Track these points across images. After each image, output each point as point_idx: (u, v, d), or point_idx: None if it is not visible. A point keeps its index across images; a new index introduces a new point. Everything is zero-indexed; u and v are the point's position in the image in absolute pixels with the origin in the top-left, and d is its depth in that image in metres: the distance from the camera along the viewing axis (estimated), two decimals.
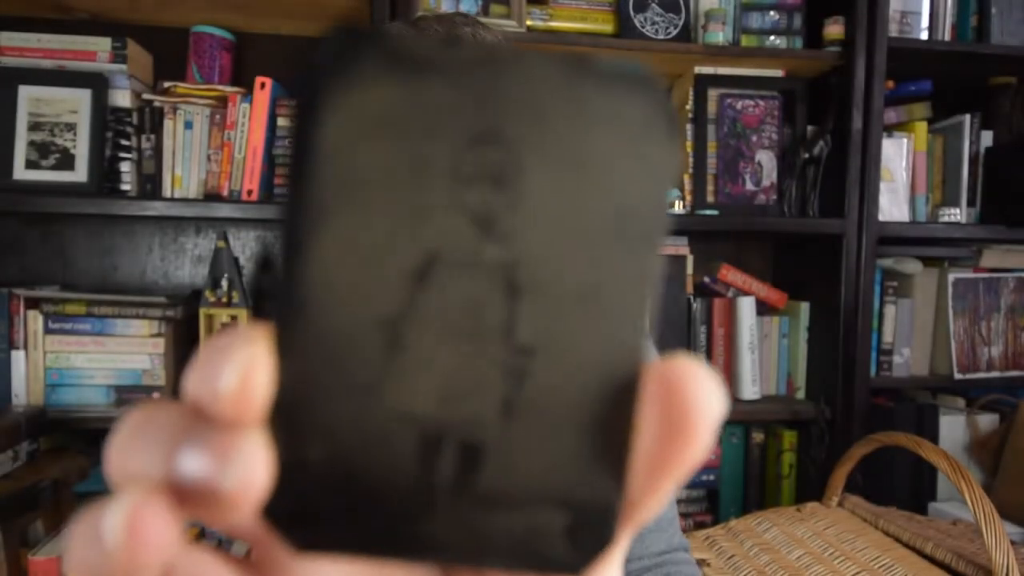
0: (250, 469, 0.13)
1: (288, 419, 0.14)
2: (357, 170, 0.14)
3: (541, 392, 0.15)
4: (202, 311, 1.26)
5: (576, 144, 0.15)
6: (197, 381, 0.14)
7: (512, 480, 0.15)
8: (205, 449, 0.14)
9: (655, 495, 0.16)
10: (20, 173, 1.18)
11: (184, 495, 0.14)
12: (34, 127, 1.19)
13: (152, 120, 1.23)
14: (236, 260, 1.29)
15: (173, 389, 1.24)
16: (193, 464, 0.14)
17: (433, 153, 0.14)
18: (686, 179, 1.41)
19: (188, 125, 1.23)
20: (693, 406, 0.15)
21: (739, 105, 1.40)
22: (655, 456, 0.15)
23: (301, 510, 0.15)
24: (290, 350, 0.14)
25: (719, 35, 1.34)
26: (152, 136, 1.23)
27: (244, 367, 0.14)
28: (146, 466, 0.14)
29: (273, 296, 0.15)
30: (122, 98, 1.20)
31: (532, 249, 0.15)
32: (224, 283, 1.30)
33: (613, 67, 0.15)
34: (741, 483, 1.45)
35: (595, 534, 0.15)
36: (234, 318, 1.26)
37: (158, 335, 1.22)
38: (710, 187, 1.40)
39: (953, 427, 1.46)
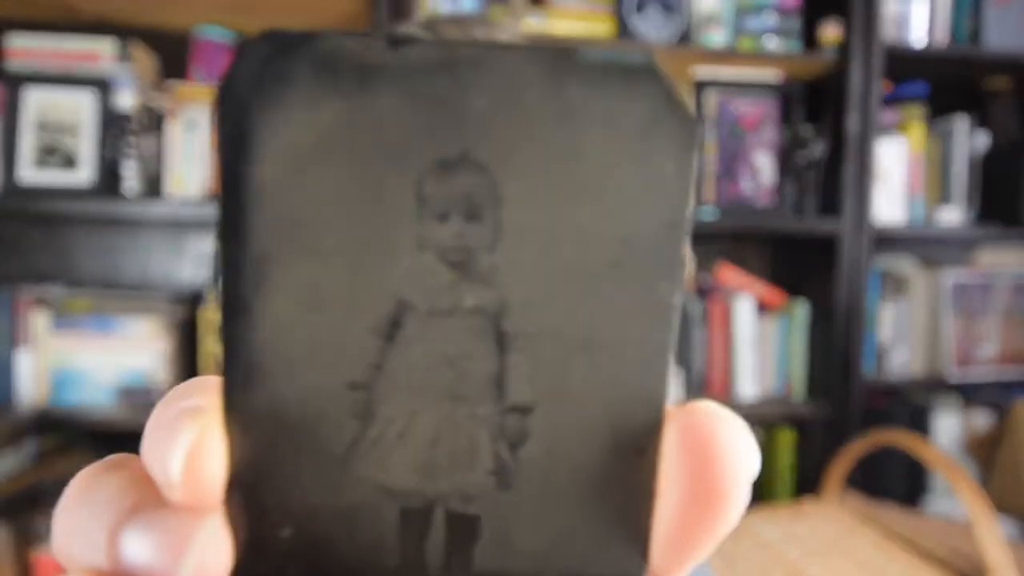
0: (203, 562, 0.12)
1: (249, 499, 0.13)
2: (302, 208, 0.12)
3: (543, 455, 0.13)
4: (204, 311, 1.27)
5: (564, 160, 0.12)
6: (147, 456, 0.13)
7: (514, 557, 0.13)
8: (154, 536, 0.12)
9: (681, 567, 0.14)
10: (24, 175, 1.19)
11: None
12: (38, 129, 1.20)
13: (155, 121, 1.24)
14: None
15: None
16: (140, 551, 0.12)
17: (392, 183, 0.12)
18: None
19: (191, 126, 1.24)
20: (726, 470, 0.13)
21: (737, 107, 1.41)
22: (681, 525, 0.13)
23: None
24: (244, 423, 0.13)
25: (717, 37, 1.35)
26: (155, 137, 1.24)
27: (190, 451, 0.12)
28: (89, 546, 0.13)
29: (220, 360, 0.13)
30: (126, 100, 1.21)
31: (520, 290, 0.13)
32: None
33: (603, 60, 0.12)
34: None
35: None
36: None
37: (163, 334, 1.23)
38: (709, 188, 1.41)
39: (949, 426, 1.48)
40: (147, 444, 0.13)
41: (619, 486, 0.13)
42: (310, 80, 0.12)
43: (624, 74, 0.12)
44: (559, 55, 0.12)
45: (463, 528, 0.13)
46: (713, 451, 0.13)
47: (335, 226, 0.12)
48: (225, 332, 0.12)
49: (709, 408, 0.13)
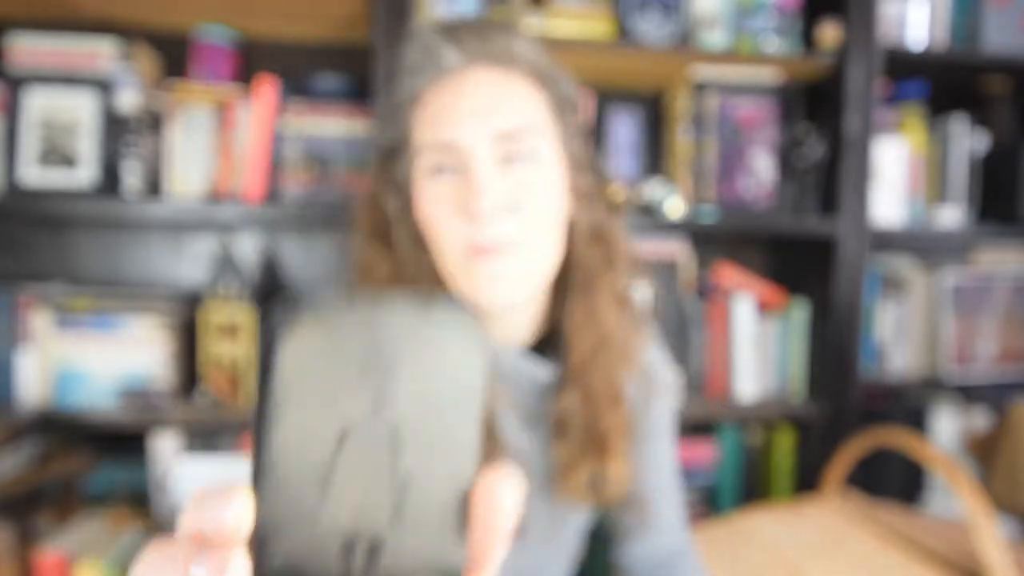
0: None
1: (260, 540, 0.23)
2: (299, 386, 0.23)
3: (416, 502, 0.24)
4: (204, 312, 1.27)
5: (424, 357, 0.24)
6: (201, 518, 0.22)
7: (402, 561, 0.24)
8: (209, 565, 0.21)
9: (486, 562, 0.24)
10: (26, 175, 1.19)
11: None
12: (39, 129, 1.20)
13: (156, 121, 1.24)
14: (237, 261, 1.30)
15: (178, 387, 1.25)
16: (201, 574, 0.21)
17: (343, 371, 0.23)
18: (686, 180, 1.43)
19: (192, 126, 1.24)
20: (494, 516, 0.24)
21: (737, 107, 1.42)
22: (478, 541, 0.24)
23: None
24: (262, 496, 0.23)
25: (717, 38, 1.35)
26: (156, 137, 1.24)
27: (238, 512, 0.22)
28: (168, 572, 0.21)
29: (250, 461, 0.23)
30: (127, 99, 1.21)
31: (407, 416, 0.24)
32: (226, 284, 1.31)
33: (444, 308, 0.24)
34: (739, 483, 1.47)
35: None
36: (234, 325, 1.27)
37: (163, 334, 1.23)
38: (708, 189, 1.41)
39: (948, 425, 1.48)
40: (197, 512, 0.22)
41: (453, 518, 0.24)
42: (307, 324, 0.23)
43: (453, 315, 0.24)
44: (423, 304, 0.24)
45: (375, 547, 0.24)
46: (489, 505, 0.24)
47: (315, 393, 0.23)
48: (255, 445, 0.23)
49: (494, 475, 0.24)
